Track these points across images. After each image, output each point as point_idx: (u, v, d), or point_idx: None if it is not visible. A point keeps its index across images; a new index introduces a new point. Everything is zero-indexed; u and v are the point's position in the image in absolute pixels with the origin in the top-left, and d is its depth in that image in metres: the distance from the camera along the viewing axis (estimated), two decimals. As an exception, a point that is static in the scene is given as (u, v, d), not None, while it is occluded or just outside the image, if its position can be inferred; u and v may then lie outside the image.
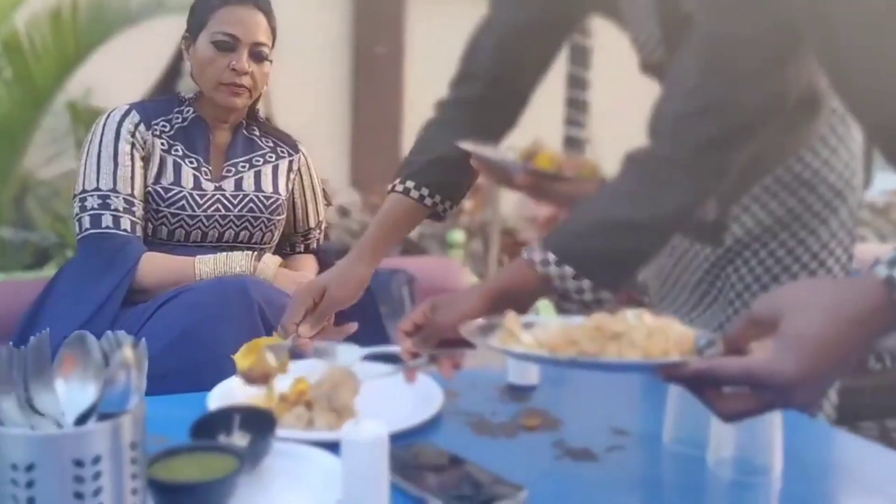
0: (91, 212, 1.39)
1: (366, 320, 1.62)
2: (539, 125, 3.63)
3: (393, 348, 1.01)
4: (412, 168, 1.17)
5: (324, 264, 1.73)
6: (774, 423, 0.83)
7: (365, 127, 4.48)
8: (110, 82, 2.51)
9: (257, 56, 1.47)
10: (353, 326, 1.32)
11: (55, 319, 1.37)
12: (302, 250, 1.75)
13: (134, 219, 1.43)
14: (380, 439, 0.71)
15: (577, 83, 2.96)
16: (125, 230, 1.40)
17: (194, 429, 0.84)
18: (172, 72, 1.56)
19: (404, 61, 4.57)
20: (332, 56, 4.45)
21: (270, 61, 1.50)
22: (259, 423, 0.87)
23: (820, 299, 0.62)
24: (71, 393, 0.65)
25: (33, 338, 0.65)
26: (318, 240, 1.77)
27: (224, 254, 1.41)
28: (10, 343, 1.43)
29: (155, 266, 1.39)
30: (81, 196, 1.40)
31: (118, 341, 0.63)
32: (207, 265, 1.39)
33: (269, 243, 1.61)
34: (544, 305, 1.99)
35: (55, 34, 2.15)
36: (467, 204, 2.82)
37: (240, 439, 0.86)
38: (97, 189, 1.40)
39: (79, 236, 1.39)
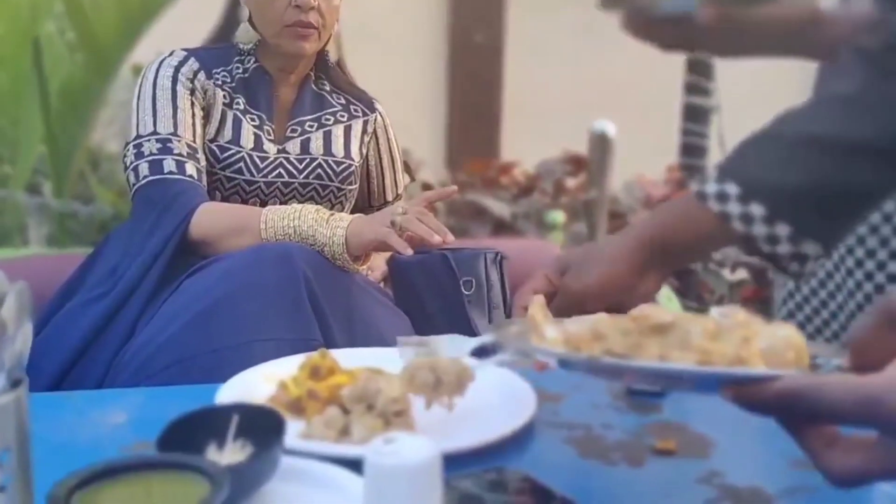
0: (150, 157, 1.19)
1: (446, 305, 1.35)
2: (654, 98, 3.28)
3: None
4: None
5: None
6: None
7: (462, 118, 4.33)
8: (180, 44, 2.33)
9: None
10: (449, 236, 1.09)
11: (96, 287, 1.19)
12: None
13: (199, 166, 1.23)
14: (424, 465, 0.43)
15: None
16: (191, 176, 1.20)
17: (165, 436, 0.58)
18: (228, 21, 1.38)
19: (504, 52, 4.37)
20: (427, 47, 4.31)
21: None
22: (266, 428, 0.60)
23: None
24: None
25: None
26: None
27: (294, 207, 1.16)
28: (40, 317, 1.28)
29: (215, 212, 1.19)
30: (136, 143, 1.21)
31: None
32: (276, 216, 1.15)
33: None
34: (665, 294, 1.65)
35: (118, -10, 1.99)
36: (570, 181, 2.51)
37: (236, 452, 0.60)
38: (155, 133, 1.21)
39: (135, 187, 1.20)
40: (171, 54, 1.28)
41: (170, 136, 1.21)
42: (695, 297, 2.67)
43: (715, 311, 0.48)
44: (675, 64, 3.01)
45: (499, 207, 2.16)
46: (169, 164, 1.19)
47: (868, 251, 0.98)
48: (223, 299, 0.99)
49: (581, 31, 4.42)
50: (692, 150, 2.65)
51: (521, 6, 4.39)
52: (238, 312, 0.98)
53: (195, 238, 1.15)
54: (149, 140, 1.21)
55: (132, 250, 1.18)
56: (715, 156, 2.69)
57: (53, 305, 1.28)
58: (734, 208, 0.63)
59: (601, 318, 0.50)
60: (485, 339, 0.74)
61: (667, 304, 1.62)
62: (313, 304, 1.03)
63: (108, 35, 2.02)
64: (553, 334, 0.51)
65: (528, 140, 4.31)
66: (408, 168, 1.64)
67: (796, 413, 0.40)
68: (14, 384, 0.37)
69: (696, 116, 2.59)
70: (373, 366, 0.79)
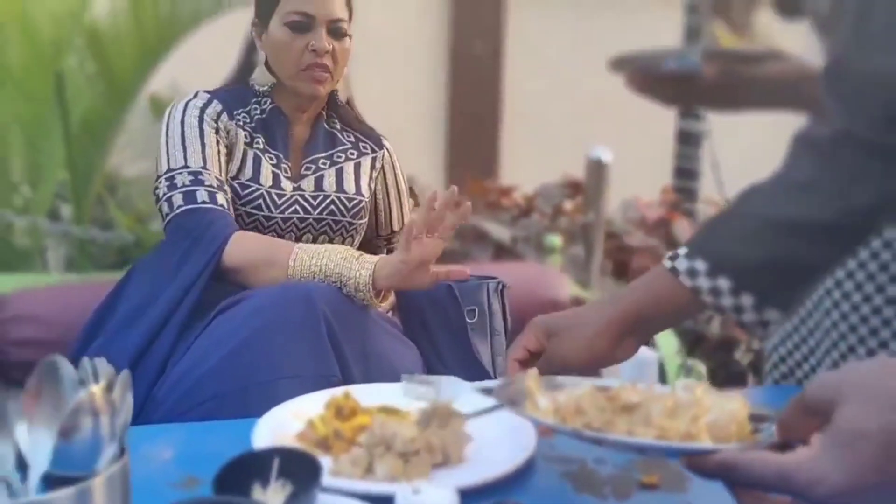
0: (183, 189, 1.26)
1: (451, 333, 1.44)
2: (649, 120, 3.36)
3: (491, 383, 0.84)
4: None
5: None
6: None
7: (460, 128, 4.39)
8: (196, 75, 2.43)
9: (336, 33, 1.34)
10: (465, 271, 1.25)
11: (127, 320, 1.26)
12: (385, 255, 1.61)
13: (228, 198, 1.31)
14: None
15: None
16: (222, 206, 1.27)
17: (220, 478, 0.67)
18: (245, 64, 1.45)
19: (503, 62, 4.44)
20: (428, 57, 4.37)
21: (350, 37, 1.37)
22: (303, 469, 0.69)
23: (881, 388, 0.48)
24: (37, 439, 0.49)
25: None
26: None
27: (324, 247, 1.24)
28: (73, 348, 1.36)
29: (247, 241, 1.26)
30: (168, 175, 1.29)
31: (95, 371, 0.47)
32: (306, 255, 1.22)
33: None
34: (664, 337, 1.75)
35: (136, 24, 2.08)
36: (567, 204, 2.61)
37: (278, 491, 0.69)
38: (186, 166, 1.29)
39: (169, 216, 1.27)
40: (195, 96, 1.36)
41: (200, 170, 1.29)
42: (690, 319, 2.76)
43: (679, 385, 0.58)
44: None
45: (499, 232, 2.25)
46: (202, 194, 1.26)
47: (853, 305, 1.07)
48: (251, 338, 1.07)
49: (579, 41, 4.51)
50: (685, 173, 2.75)
51: (520, 16, 4.46)
52: (265, 351, 1.06)
53: (227, 266, 1.22)
54: (181, 173, 1.28)
55: (165, 277, 1.25)
56: (707, 178, 2.79)
57: (85, 337, 1.36)
58: (704, 283, 0.71)
59: (584, 394, 0.60)
60: (485, 384, 0.84)
61: (663, 343, 1.71)
62: (332, 340, 1.12)
63: (126, 67, 2.11)
64: (545, 404, 0.62)
65: (528, 145, 4.38)
66: (413, 194, 1.73)
67: (732, 480, 0.50)
68: (121, 452, 0.46)
69: (688, 140, 2.69)
70: (388, 403, 0.89)
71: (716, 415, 0.53)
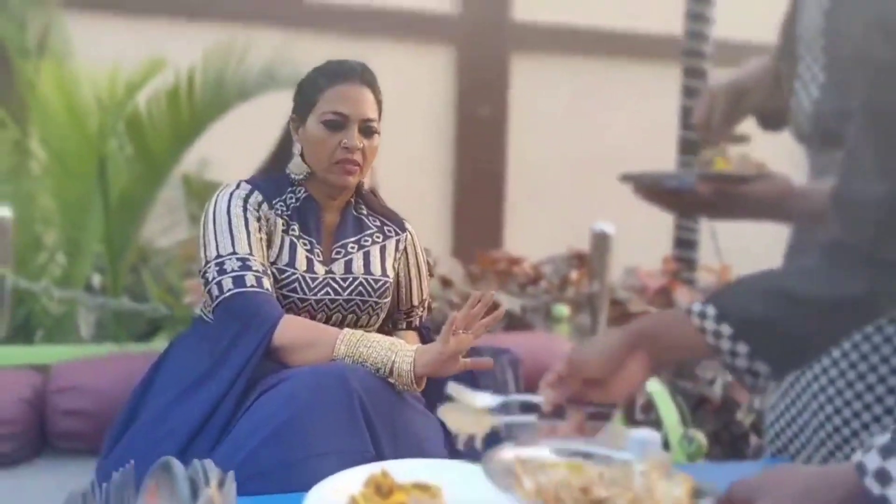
0: (232, 273, 1.38)
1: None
2: (655, 128, 3.51)
3: (534, 397, 0.98)
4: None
5: (426, 340, 1.69)
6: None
7: (467, 192, 4.50)
8: (223, 154, 2.59)
9: (367, 131, 1.47)
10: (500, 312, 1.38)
11: (176, 399, 1.35)
12: (403, 327, 1.73)
13: (271, 281, 1.42)
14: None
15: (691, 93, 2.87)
16: (268, 290, 1.39)
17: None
18: (281, 154, 1.58)
19: (508, 124, 4.58)
20: (435, 122, 4.52)
21: (379, 134, 1.51)
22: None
23: (792, 486, 0.61)
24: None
25: (116, 473, 0.61)
26: (420, 317, 1.74)
27: (369, 336, 1.37)
28: (119, 420, 1.45)
29: (295, 323, 1.38)
30: (218, 261, 1.40)
31: (206, 472, 0.59)
32: (348, 342, 1.35)
33: (374, 326, 1.58)
34: (658, 392, 1.86)
35: (172, 111, 2.24)
36: (573, 274, 2.73)
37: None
38: (234, 253, 1.40)
39: (219, 299, 1.38)
40: (238, 186, 1.48)
41: (247, 256, 1.40)
42: (689, 377, 2.86)
43: (638, 469, 0.72)
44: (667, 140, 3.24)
45: (510, 302, 2.37)
46: (250, 279, 1.38)
47: (837, 389, 1.18)
48: (292, 419, 1.18)
49: (580, 106, 4.67)
50: (685, 243, 2.88)
51: (523, 82, 4.63)
52: (306, 430, 1.17)
53: (275, 345, 1.34)
54: (230, 259, 1.39)
55: (215, 356, 1.35)
56: (706, 248, 2.92)
57: (129, 413, 1.43)
58: (710, 325, 0.85)
59: (563, 482, 0.73)
60: (515, 397, 1.00)
61: (658, 399, 1.82)
62: (365, 418, 1.23)
63: (162, 148, 2.27)
64: (529, 485, 0.74)
65: (531, 208, 4.49)
66: (429, 268, 1.85)
67: None
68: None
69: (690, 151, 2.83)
70: (420, 480, 1.01)
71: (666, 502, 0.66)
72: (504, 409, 0.99)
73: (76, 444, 1.73)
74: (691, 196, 1.00)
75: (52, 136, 2.20)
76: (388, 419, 1.28)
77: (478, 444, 0.98)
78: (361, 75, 1.49)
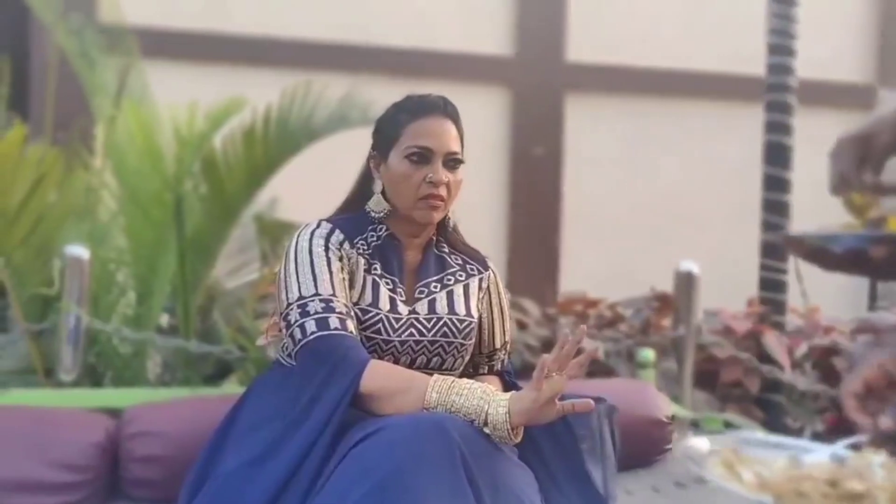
0: (316, 315, 1.32)
1: (564, 458, 1.45)
2: (712, 168, 3.41)
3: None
4: None
5: (508, 385, 1.61)
6: None
7: (522, 229, 4.46)
8: (293, 193, 2.58)
9: (451, 165, 1.43)
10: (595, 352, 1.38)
11: (265, 449, 1.29)
12: (486, 371, 1.65)
13: (355, 324, 1.36)
14: None
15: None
16: (352, 332, 1.33)
17: None
18: (360, 193, 1.53)
19: (563, 164, 4.55)
20: (489, 159, 4.51)
21: (463, 163, 1.46)
22: None
23: None
24: None
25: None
26: (502, 361, 1.66)
27: (460, 383, 1.27)
28: (197, 468, 1.39)
29: (384, 369, 1.30)
30: (301, 303, 1.34)
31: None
32: (440, 389, 1.26)
33: (458, 369, 1.50)
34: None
35: (247, 150, 2.23)
36: (656, 318, 2.61)
37: None
38: (317, 294, 1.34)
39: (302, 342, 1.32)
40: (318, 226, 1.43)
41: (331, 297, 1.33)
42: (781, 428, 2.69)
43: (876, 461, 0.62)
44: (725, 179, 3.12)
45: (592, 346, 2.26)
46: (333, 321, 1.31)
47: None
48: (392, 473, 1.10)
49: (634, 145, 4.61)
50: (772, 284, 2.73)
51: (577, 122, 4.59)
52: (407, 486, 1.09)
53: (362, 392, 1.26)
54: (313, 300, 1.33)
55: (300, 404, 1.28)
56: (794, 291, 2.77)
57: (208, 458, 1.39)
58: None
59: (803, 475, 0.63)
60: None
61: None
62: (465, 471, 1.14)
63: (237, 189, 2.26)
64: (748, 476, 0.65)
65: (586, 248, 4.42)
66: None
67: None
68: None
69: (773, 253, 2.68)
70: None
71: None
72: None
73: (149, 493, 1.68)
74: (860, 258, 0.89)
75: (128, 176, 2.21)
76: (488, 472, 1.20)
77: None
78: (444, 109, 1.45)
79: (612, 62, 4.55)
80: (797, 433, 2.80)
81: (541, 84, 4.52)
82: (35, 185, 2.00)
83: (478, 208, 4.44)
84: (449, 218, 1.54)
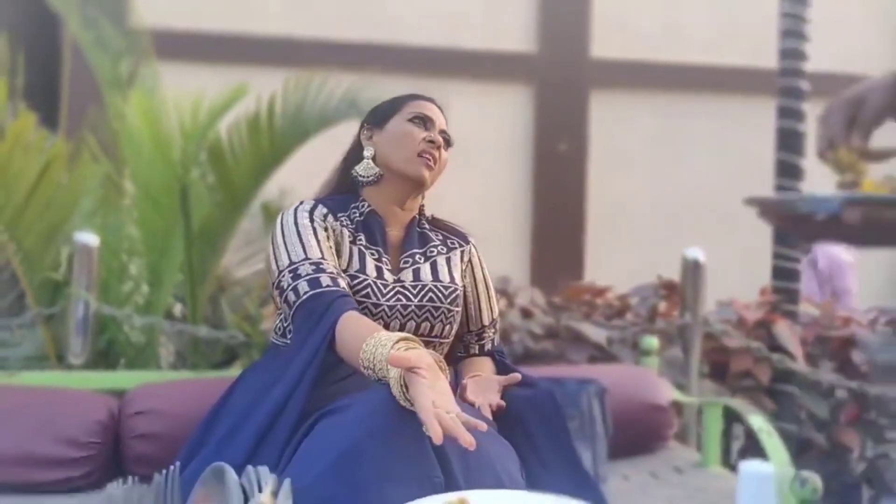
0: (307, 277, 1.37)
1: (553, 438, 1.45)
2: (736, 162, 3.38)
3: None
4: None
5: (502, 367, 1.64)
6: None
7: (546, 226, 4.47)
8: (301, 184, 2.62)
9: (444, 139, 1.55)
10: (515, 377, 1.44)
11: (242, 416, 1.34)
12: (476, 352, 1.69)
13: (347, 282, 1.40)
14: None
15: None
16: (343, 288, 1.37)
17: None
18: (342, 178, 1.61)
19: (587, 160, 4.53)
20: (513, 156, 4.51)
21: (451, 147, 1.58)
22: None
23: None
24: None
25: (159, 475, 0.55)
26: (492, 340, 1.70)
27: (374, 338, 1.23)
28: (190, 441, 1.42)
29: (351, 321, 1.31)
30: (291, 268, 1.39)
31: (259, 479, 0.52)
32: (365, 348, 1.23)
33: (448, 337, 1.53)
34: (764, 429, 1.69)
35: (252, 141, 2.26)
36: (662, 305, 2.59)
37: None
38: (307, 258, 1.39)
39: (296, 303, 1.36)
40: (301, 203, 1.51)
41: (320, 260, 1.39)
42: (793, 420, 2.64)
43: None
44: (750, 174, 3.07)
45: (595, 333, 2.25)
46: (325, 279, 1.36)
47: None
48: (357, 445, 1.10)
49: (660, 139, 4.57)
50: (784, 273, 2.69)
51: (602, 118, 4.58)
52: (371, 456, 1.09)
53: (337, 345, 1.28)
54: (303, 264, 1.38)
55: (288, 359, 1.33)
56: (807, 278, 2.72)
57: (200, 434, 1.42)
58: None
59: None
60: None
61: (772, 451, 1.64)
62: (431, 442, 1.15)
63: (244, 179, 2.29)
64: None
65: (611, 242, 4.40)
66: (507, 295, 1.78)
67: None
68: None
69: (784, 241, 2.64)
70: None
71: None
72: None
73: (150, 470, 1.71)
74: (834, 222, 0.85)
75: (140, 167, 2.25)
76: (459, 444, 1.19)
77: None
78: (436, 102, 1.60)
79: (637, 58, 4.53)
80: (819, 425, 2.75)
81: (565, 80, 4.52)
82: (43, 170, 2.05)
83: (502, 205, 4.46)
84: (423, 206, 1.62)
